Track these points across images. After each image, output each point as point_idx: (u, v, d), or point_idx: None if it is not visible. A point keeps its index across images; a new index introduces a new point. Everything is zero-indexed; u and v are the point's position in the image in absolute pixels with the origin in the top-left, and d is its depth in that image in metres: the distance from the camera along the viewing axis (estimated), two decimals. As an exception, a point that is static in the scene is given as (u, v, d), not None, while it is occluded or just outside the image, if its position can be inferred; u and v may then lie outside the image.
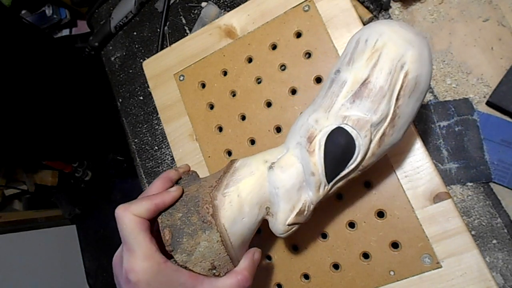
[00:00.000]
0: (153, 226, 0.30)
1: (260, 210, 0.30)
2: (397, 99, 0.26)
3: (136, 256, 0.27)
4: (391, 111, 0.26)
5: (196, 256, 0.29)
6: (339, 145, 0.27)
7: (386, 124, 0.27)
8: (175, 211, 0.30)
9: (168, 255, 0.29)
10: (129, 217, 0.28)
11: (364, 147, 0.27)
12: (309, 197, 0.29)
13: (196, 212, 0.29)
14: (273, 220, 0.31)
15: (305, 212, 0.30)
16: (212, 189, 0.30)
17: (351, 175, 0.29)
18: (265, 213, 0.31)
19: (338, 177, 0.28)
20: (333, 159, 0.27)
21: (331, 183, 0.28)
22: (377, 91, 0.26)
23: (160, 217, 0.30)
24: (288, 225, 0.30)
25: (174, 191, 0.31)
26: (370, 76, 0.26)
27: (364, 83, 0.26)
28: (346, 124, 0.27)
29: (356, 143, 0.27)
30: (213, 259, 0.29)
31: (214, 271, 0.29)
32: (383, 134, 0.27)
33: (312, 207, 0.30)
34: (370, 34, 0.27)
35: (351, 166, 0.27)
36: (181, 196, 0.31)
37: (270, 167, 0.30)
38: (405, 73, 0.26)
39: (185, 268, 0.28)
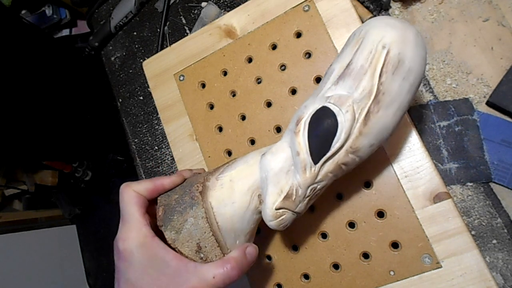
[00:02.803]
0: (152, 208, 0.32)
1: (252, 198, 0.30)
2: (380, 76, 0.26)
3: (126, 226, 0.29)
4: (375, 88, 0.26)
5: (183, 234, 0.29)
6: (321, 122, 0.27)
7: (370, 101, 0.27)
8: (173, 193, 0.32)
9: (164, 239, 0.30)
10: (129, 191, 0.30)
11: (348, 123, 0.27)
12: (296, 180, 0.29)
13: (188, 192, 0.31)
14: (263, 206, 0.30)
15: (293, 197, 0.29)
16: (208, 174, 0.32)
17: (339, 156, 0.28)
18: (257, 202, 0.31)
19: (325, 157, 0.28)
20: (317, 137, 0.27)
21: (318, 165, 0.28)
22: (358, 69, 0.27)
23: (159, 197, 0.32)
24: (276, 209, 0.29)
25: (174, 176, 0.33)
26: (352, 59, 0.27)
27: (347, 66, 0.28)
28: (329, 102, 0.27)
29: (338, 119, 0.27)
30: (199, 238, 0.29)
31: (201, 254, 0.29)
32: (368, 111, 0.27)
33: (300, 191, 0.29)
34: (359, 28, 0.29)
35: (336, 144, 0.27)
36: (182, 182, 0.33)
37: (263, 155, 0.31)
38: (387, 51, 0.26)
39: (174, 248, 0.29)
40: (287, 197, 0.29)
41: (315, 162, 0.28)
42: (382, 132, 0.28)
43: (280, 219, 0.30)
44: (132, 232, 0.28)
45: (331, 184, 0.37)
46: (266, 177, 0.30)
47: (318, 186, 0.29)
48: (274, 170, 0.29)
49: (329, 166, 0.28)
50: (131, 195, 0.30)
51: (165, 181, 0.32)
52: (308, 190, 0.29)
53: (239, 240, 0.31)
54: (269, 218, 0.30)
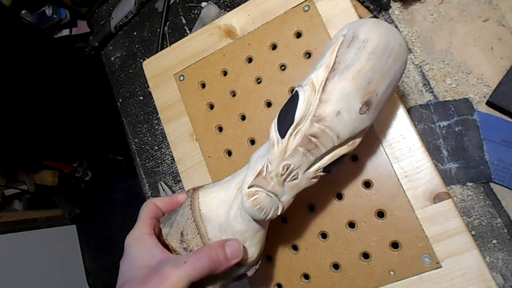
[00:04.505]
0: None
1: (238, 192, 0.31)
2: (337, 52, 0.28)
3: (135, 225, 0.32)
4: (332, 61, 0.28)
5: (174, 227, 0.31)
6: (287, 103, 0.30)
7: (327, 72, 0.28)
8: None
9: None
10: (148, 202, 0.34)
11: (307, 92, 0.28)
12: (268, 158, 0.29)
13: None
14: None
15: (264, 173, 0.29)
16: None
17: (304, 126, 0.28)
18: None
19: (290, 129, 0.28)
20: (284, 115, 0.29)
21: (285, 138, 0.28)
22: (321, 55, 0.30)
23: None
24: (248, 187, 0.29)
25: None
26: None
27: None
28: (296, 86, 0.30)
29: (300, 92, 0.29)
30: (183, 226, 0.31)
31: (184, 244, 0.30)
32: (326, 79, 0.28)
33: (270, 167, 0.29)
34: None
35: (298, 114, 0.28)
36: None
37: None
38: (344, 35, 0.29)
39: (168, 244, 0.31)
40: (259, 174, 0.29)
41: (282, 135, 0.29)
42: (343, 97, 0.27)
43: (253, 198, 0.29)
44: (135, 229, 0.32)
45: (331, 183, 0.37)
46: (248, 166, 0.31)
47: (292, 165, 0.29)
48: (254, 158, 0.31)
49: (298, 139, 0.28)
50: (148, 205, 0.34)
51: (179, 196, 0.36)
52: (281, 168, 0.29)
53: (225, 236, 0.31)
54: (244, 199, 0.29)
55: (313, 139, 0.28)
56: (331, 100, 0.27)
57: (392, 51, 0.28)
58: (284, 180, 0.29)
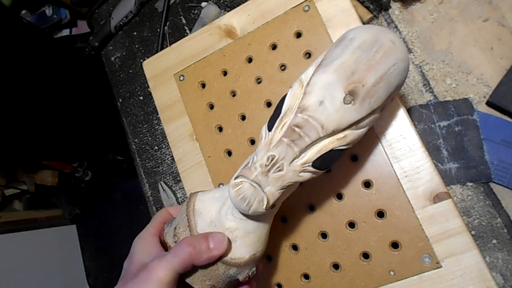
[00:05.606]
0: None
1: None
2: (327, 52, 0.30)
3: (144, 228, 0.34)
4: (320, 60, 0.30)
5: (172, 225, 0.32)
6: (279, 101, 0.31)
7: (315, 69, 0.29)
8: None
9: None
10: (162, 209, 0.36)
11: (294, 88, 0.30)
12: (255, 151, 0.30)
13: None
14: None
15: (249, 164, 0.29)
16: None
17: (289, 117, 0.28)
18: None
19: (277, 122, 0.29)
20: (273, 112, 0.31)
21: (272, 130, 0.29)
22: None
23: None
24: (235, 178, 0.29)
25: None
26: None
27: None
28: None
29: (289, 90, 0.30)
30: (177, 222, 0.31)
31: (176, 238, 0.31)
32: (313, 74, 0.29)
33: (255, 158, 0.29)
34: None
35: (285, 107, 0.29)
36: None
37: None
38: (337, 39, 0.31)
39: (166, 243, 0.31)
40: (245, 166, 0.30)
41: (269, 128, 0.30)
42: (325, 87, 0.28)
43: (237, 188, 0.29)
44: (143, 231, 0.33)
45: (331, 183, 0.37)
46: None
47: (277, 156, 0.28)
48: (250, 156, 0.31)
49: (282, 130, 0.29)
50: (161, 211, 0.36)
51: None
52: (265, 158, 0.29)
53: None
54: (230, 190, 0.29)
55: (296, 129, 0.28)
56: (314, 90, 0.28)
57: (381, 47, 0.28)
58: (269, 170, 0.29)
